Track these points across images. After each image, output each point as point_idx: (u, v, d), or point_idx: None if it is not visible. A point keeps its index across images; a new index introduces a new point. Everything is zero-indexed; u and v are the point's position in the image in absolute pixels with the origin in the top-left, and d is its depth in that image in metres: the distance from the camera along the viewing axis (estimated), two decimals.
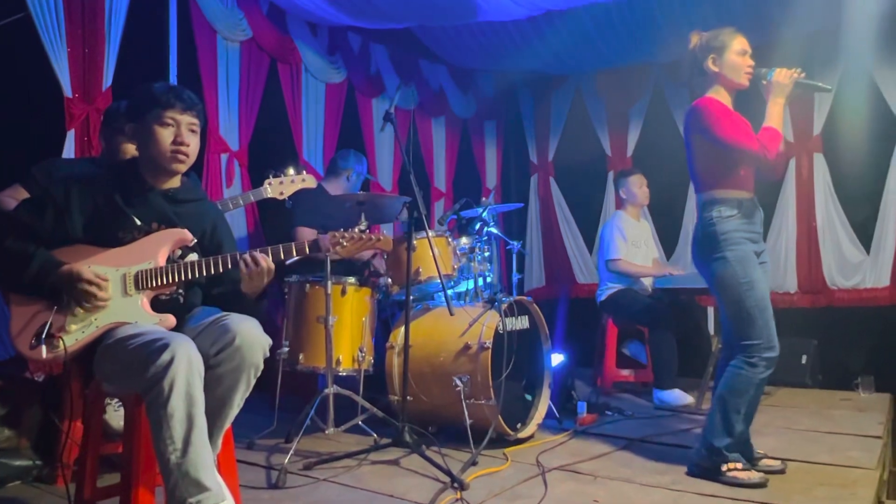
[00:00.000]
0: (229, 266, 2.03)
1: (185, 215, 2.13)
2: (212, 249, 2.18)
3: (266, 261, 2.03)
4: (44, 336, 1.89)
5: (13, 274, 1.92)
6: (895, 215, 4.85)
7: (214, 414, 1.89)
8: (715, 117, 2.52)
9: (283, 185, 3.09)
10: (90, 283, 1.92)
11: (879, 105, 4.86)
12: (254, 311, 2.13)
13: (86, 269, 1.93)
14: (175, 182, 2.13)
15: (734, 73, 2.58)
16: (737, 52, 2.58)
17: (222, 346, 1.89)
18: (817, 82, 2.57)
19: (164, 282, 2.00)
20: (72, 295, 1.93)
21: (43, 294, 1.93)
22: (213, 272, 2.03)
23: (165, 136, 2.02)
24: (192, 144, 2.07)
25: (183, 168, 2.09)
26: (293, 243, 2.08)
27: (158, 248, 2.03)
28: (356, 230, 2.13)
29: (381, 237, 2.15)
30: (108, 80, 3.44)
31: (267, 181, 3.07)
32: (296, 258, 2.19)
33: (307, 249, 2.07)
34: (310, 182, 3.17)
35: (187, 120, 2.05)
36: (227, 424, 1.99)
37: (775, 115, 2.54)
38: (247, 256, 2.02)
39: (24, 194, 2.54)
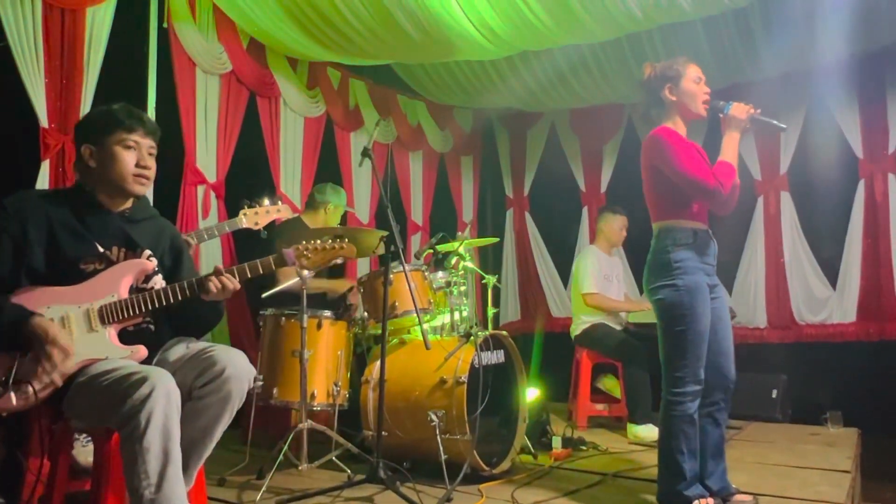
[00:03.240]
0: (196, 292, 2.00)
1: (144, 234, 2.12)
2: (170, 264, 2.18)
3: (233, 282, 2.02)
4: (10, 383, 1.83)
5: None
6: (860, 252, 4.99)
7: (194, 445, 1.87)
8: (672, 149, 2.51)
9: (258, 216, 3.09)
10: (63, 351, 1.86)
11: (842, 146, 5.04)
12: (215, 312, 2.14)
13: (61, 333, 1.88)
14: (128, 203, 2.12)
15: (692, 102, 2.57)
16: (692, 79, 2.58)
17: (210, 378, 1.88)
18: (772, 120, 2.58)
19: (129, 314, 1.98)
20: (41, 352, 1.86)
21: (13, 347, 1.86)
22: (179, 299, 2.01)
23: (128, 158, 2.03)
24: (153, 167, 2.09)
25: (144, 191, 2.11)
26: (258, 260, 2.07)
27: (120, 280, 2.00)
28: (319, 241, 2.13)
29: (345, 245, 2.16)
30: (85, 111, 3.43)
31: (242, 211, 3.07)
32: (274, 291, 2.19)
33: (273, 265, 2.07)
34: (285, 212, 3.18)
35: (148, 143, 2.08)
36: (205, 457, 1.97)
37: (731, 149, 2.55)
38: (214, 280, 2.00)
39: None
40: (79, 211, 2.04)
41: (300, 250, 2.09)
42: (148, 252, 2.10)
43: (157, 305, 1.99)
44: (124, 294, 2.00)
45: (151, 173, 2.08)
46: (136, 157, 2.04)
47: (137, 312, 1.98)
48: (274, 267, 2.08)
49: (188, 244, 2.62)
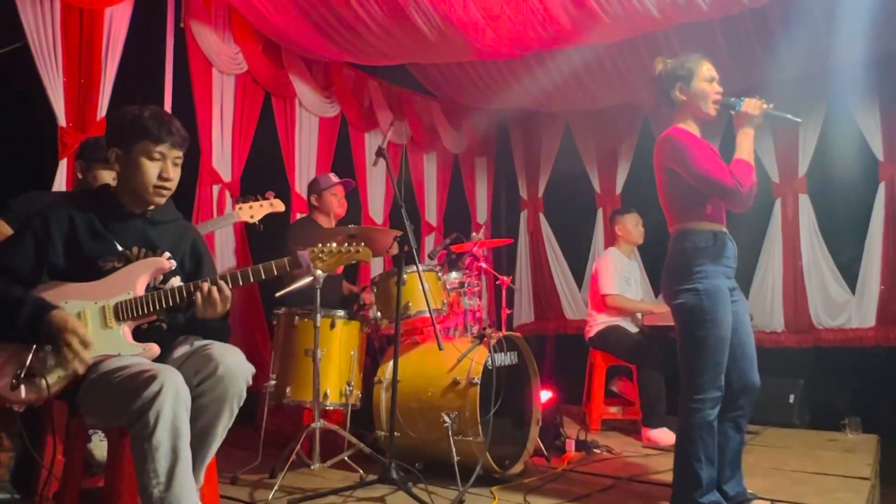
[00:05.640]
0: (205, 293, 1.99)
1: (165, 237, 2.13)
2: (191, 268, 2.18)
3: (224, 292, 1.99)
4: (23, 376, 1.84)
5: (4, 322, 1.87)
6: (879, 256, 4.91)
7: (197, 445, 1.87)
8: (688, 150, 2.45)
9: (253, 209, 3.19)
10: (83, 341, 1.88)
11: (862, 147, 4.96)
12: (223, 328, 2.13)
13: (80, 324, 1.89)
14: (151, 205, 2.12)
15: (703, 102, 2.51)
16: (705, 79, 2.51)
17: (205, 376, 1.88)
18: (786, 114, 2.51)
19: (144, 311, 1.98)
20: (61, 342, 1.87)
21: (34, 339, 1.88)
22: (188, 299, 2.01)
23: (152, 169, 2.03)
24: (175, 177, 2.09)
25: (163, 201, 2.10)
26: (273, 262, 2.06)
27: (137, 278, 2.01)
28: (334, 244, 2.13)
29: (360, 248, 2.16)
30: (102, 110, 3.46)
31: (237, 206, 3.18)
32: (287, 290, 2.19)
33: (288, 267, 2.06)
34: (277, 206, 3.25)
35: (174, 154, 2.07)
36: (210, 456, 1.97)
37: (746, 146, 2.48)
38: (203, 288, 1.97)
39: (5, 226, 2.53)
40: (101, 211, 2.06)
41: (315, 253, 2.09)
42: (167, 254, 2.11)
43: (171, 304, 2.00)
44: (140, 292, 2.00)
45: (173, 184, 2.09)
46: (159, 168, 2.04)
47: (151, 310, 1.99)
48: (288, 269, 2.06)
49: None
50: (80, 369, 1.89)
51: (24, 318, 1.85)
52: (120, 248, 2.04)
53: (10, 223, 2.52)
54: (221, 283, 2.00)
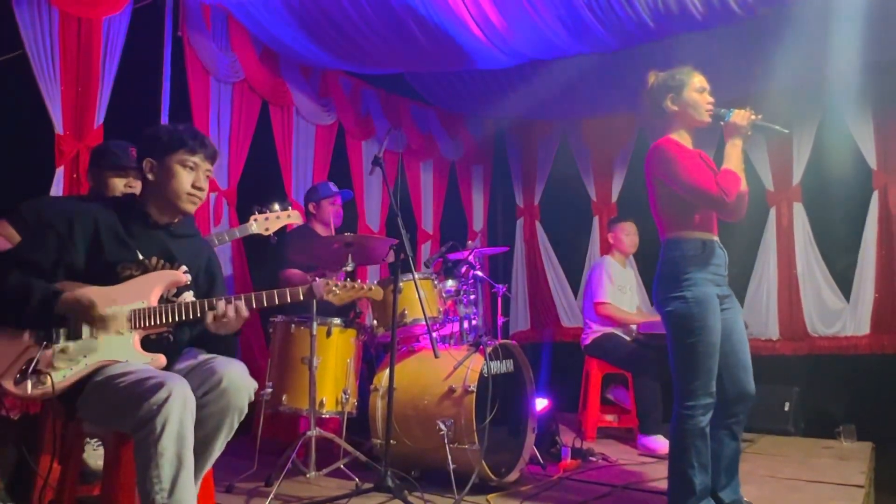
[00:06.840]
0: (220, 312, 2.03)
1: (184, 251, 2.18)
2: (205, 285, 2.22)
3: (244, 311, 2.04)
4: (30, 371, 1.87)
5: (15, 310, 1.91)
6: (874, 264, 4.94)
7: (195, 456, 1.87)
8: (675, 160, 2.49)
9: (269, 221, 3.13)
10: (101, 296, 1.92)
11: (856, 156, 5.00)
12: (232, 344, 2.17)
13: (99, 298, 1.92)
14: (175, 219, 2.18)
15: (694, 111, 2.55)
16: (696, 89, 2.55)
17: (209, 389, 1.89)
18: (774, 125, 2.54)
19: (156, 322, 2.01)
20: (87, 321, 1.92)
21: (49, 326, 1.92)
22: (202, 315, 2.04)
23: (186, 178, 2.10)
24: (206, 189, 2.16)
25: (193, 210, 2.16)
26: (288, 289, 2.10)
27: (152, 288, 2.05)
28: (349, 280, 2.19)
29: (373, 287, 2.21)
30: (100, 118, 3.47)
31: (252, 217, 3.11)
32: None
33: (301, 296, 2.11)
34: (295, 217, 3.21)
35: (206, 166, 2.15)
36: (208, 468, 1.97)
37: (734, 157, 2.51)
38: (221, 305, 2.02)
39: (11, 230, 2.54)
40: (126, 219, 2.10)
41: (329, 286, 2.14)
42: (184, 268, 2.15)
43: (184, 318, 2.03)
44: (154, 302, 2.04)
45: (204, 195, 2.16)
46: (193, 177, 2.11)
47: (164, 322, 2.02)
48: (302, 297, 2.11)
49: None
50: (108, 313, 1.93)
51: (33, 304, 1.88)
52: (140, 257, 2.08)
53: (16, 227, 2.53)
54: (240, 304, 2.03)
